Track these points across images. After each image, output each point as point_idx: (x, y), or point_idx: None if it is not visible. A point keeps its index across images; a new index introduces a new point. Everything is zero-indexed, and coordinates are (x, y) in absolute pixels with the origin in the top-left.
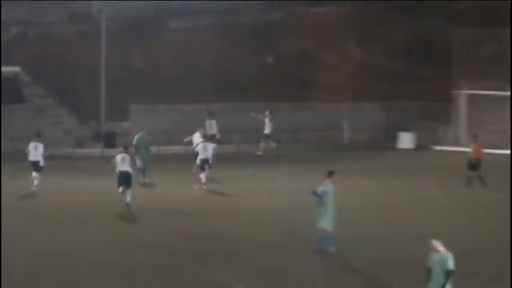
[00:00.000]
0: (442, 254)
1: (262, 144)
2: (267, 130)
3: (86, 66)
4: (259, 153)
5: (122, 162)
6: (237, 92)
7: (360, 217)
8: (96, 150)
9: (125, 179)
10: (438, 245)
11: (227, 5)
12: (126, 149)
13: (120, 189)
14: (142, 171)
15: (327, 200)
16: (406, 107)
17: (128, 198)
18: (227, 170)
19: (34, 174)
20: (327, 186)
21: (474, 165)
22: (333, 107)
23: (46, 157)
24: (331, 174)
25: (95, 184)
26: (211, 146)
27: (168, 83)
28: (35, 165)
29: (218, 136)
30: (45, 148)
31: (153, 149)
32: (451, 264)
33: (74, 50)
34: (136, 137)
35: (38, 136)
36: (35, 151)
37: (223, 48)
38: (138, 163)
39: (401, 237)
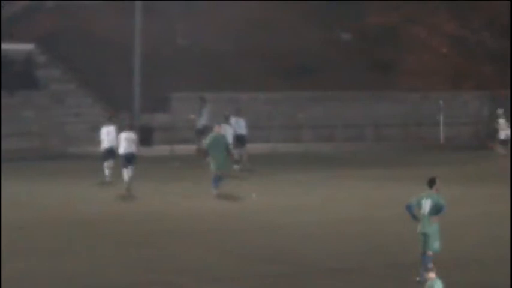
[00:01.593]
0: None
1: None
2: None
3: (117, 43)
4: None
5: (126, 142)
6: (304, 77)
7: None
8: None
9: (129, 159)
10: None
11: None
12: (130, 127)
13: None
14: (218, 179)
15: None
16: None
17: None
18: (287, 174)
19: (108, 164)
20: (437, 198)
21: None
22: (424, 96)
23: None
24: (433, 183)
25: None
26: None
27: (219, 66)
28: (111, 153)
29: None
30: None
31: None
32: None
33: (101, 24)
34: (211, 135)
35: (111, 119)
36: (108, 137)
37: (287, 23)
38: (213, 168)
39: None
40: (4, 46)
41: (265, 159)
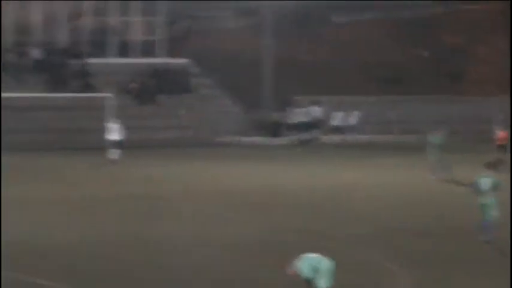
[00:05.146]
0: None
1: None
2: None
3: (252, 58)
4: None
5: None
6: (394, 84)
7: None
8: (261, 139)
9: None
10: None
11: (388, 2)
12: None
13: None
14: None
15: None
16: None
17: None
18: (381, 159)
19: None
20: (494, 178)
21: None
22: (484, 100)
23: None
24: (491, 166)
25: (262, 170)
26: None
27: (330, 75)
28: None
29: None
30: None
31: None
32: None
33: (240, 44)
34: (438, 137)
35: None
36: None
37: (382, 43)
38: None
39: None
40: (167, 60)
41: (364, 147)
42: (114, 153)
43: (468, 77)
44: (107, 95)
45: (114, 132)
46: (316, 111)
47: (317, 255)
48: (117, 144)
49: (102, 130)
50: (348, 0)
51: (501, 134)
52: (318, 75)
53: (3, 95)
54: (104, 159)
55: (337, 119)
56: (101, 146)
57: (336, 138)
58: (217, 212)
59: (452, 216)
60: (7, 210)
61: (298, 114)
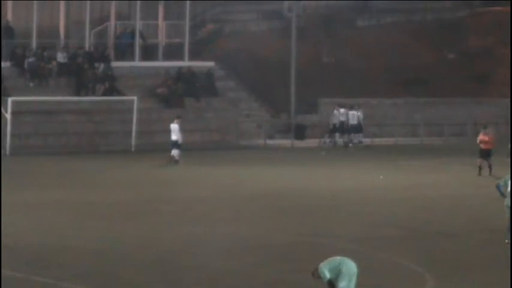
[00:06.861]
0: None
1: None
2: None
3: (277, 61)
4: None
5: None
6: (419, 86)
7: None
8: (286, 141)
9: None
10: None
11: (413, 4)
12: None
13: None
14: None
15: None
16: None
17: None
18: (406, 161)
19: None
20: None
21: None
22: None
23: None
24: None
25: (289, 173)
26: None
27: (354, 77)
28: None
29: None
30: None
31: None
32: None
33: (265, 46)
34: None
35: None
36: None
37: (407, 45)
38: None
39: None
40: (192, 63)
41: (390, 150)
42: (174, 153)
43: (493, 79)
44: (132, 98)
45: (172, 133)
46: (355, 114)
47: (340, 257)
48: (174, 145)
49: (127, 133)
50: (373, 0)
51: (481, 136)
52: (343, 77)
53: (29, 98)
54: (129, 161)
55: (360, 120)
56: (127, 149)
57: (359, 140)
58: (244, 215)
59: (483, 218)
60: (49, 213)
61: (342, 116)
